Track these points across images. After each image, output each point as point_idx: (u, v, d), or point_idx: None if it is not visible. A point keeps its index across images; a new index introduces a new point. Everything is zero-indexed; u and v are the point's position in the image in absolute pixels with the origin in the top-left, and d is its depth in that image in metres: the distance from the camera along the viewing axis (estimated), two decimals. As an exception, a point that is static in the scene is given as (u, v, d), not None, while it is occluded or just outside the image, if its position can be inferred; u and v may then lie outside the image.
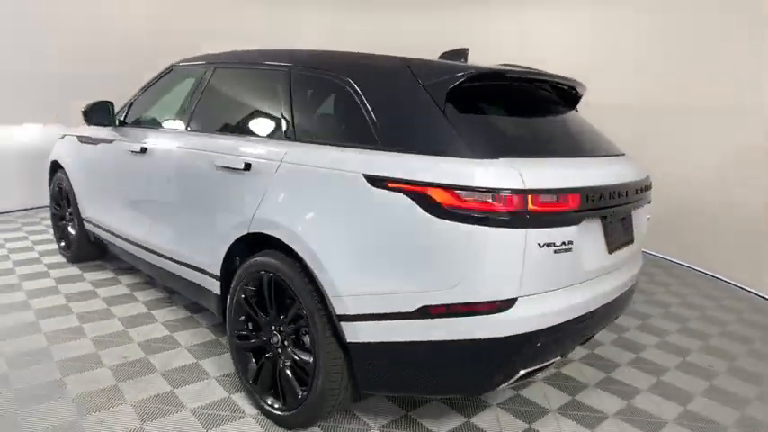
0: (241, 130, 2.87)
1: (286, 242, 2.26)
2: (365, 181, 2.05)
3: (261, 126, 2.77)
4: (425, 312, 1.95)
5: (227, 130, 2.97)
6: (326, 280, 2.12)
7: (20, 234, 5.49)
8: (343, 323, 2.12)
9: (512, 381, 2.11)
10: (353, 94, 2.29)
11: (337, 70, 2.43)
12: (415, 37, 7.39)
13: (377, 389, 2.25)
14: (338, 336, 2.16)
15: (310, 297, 2.19)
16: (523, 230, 1.86)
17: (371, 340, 2.08)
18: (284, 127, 2.57)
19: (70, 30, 6.40)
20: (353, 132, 2.28)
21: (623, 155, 2.64)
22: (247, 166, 2.55)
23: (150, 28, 6.96)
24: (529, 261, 1.88)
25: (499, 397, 2.76)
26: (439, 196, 1.89)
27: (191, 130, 3.15)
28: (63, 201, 4.59)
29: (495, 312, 1.90)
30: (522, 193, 1.86)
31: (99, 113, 3.71)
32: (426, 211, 1.90)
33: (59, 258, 4.71)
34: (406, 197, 1.94)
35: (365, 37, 7.73)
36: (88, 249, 4.47)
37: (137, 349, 3.10)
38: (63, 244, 4.69)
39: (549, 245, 1.92)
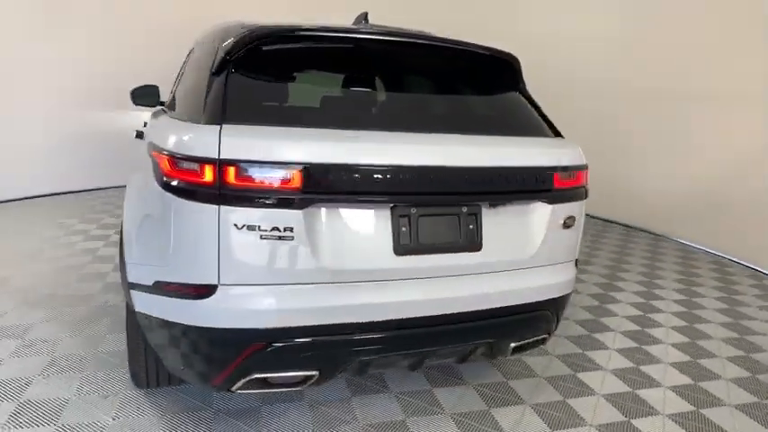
0: None
1: None
2: (149, 146, 2.00)
3: None
4: (159, 288, 1.83)
5: None
6: (126, 248, 2.17)
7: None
8: (130, 291, 2.06)
9: (244, 383, 1.83)
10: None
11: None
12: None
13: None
14: None
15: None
16: (215, 207, 1.62)
17: (138, 310, 2.01)
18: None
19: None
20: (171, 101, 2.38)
21: (544, 136, 2.21)
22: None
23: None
24: (225, 245, 1.66)
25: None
26: (163, 165, 1.75)
27: None
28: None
29: (198, 298, 1.72)
30: (216, 163, 1.61)
31: (145, 96, 3.64)
32: (156, 179, 1.78)
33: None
34: (155, 164, 1.83)
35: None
36: None
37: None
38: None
39: (251, 228, 1.64)
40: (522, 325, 2.17)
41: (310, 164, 1.65)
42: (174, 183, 1.69)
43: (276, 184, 1.63)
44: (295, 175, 1.64)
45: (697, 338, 3.51)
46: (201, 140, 1.66)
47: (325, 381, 1.93)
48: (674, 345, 3.39)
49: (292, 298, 1.73)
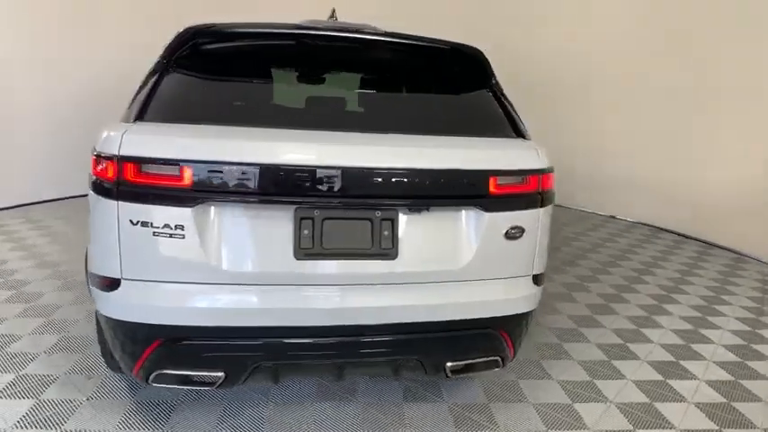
0: None
1: None
2: None
3: None
4: (92, 279, 1.89)
5: None
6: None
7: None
8: (88, 280, 2.08)
9: (155, 377, 1.83)
10: None
11: None
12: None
13: None
14: None
15: None
16: (115, 202, 1.66)
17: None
18: None
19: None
20: None
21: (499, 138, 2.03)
22: None
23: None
24: (124, 240, 1.68)
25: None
26: (91, 163, 1.81)
27: None
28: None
29: (110, 291, 1.76)
30: (116, 159, 1.65)
31: None
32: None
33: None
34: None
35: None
36: None
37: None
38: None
39: (144, 224, 1.65)
40: (456, 344, 1.97)
41: (200, 161, 1.64)
42: (93, 179, 1.77)
43: (166, 182, 1.64)
44: (184, 173, 1.63)
45: None
46: (110, 139, 1.72)
47: (235, 383, 1.88)
48: None
49: (188, 297, 1.72)
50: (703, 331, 3.58)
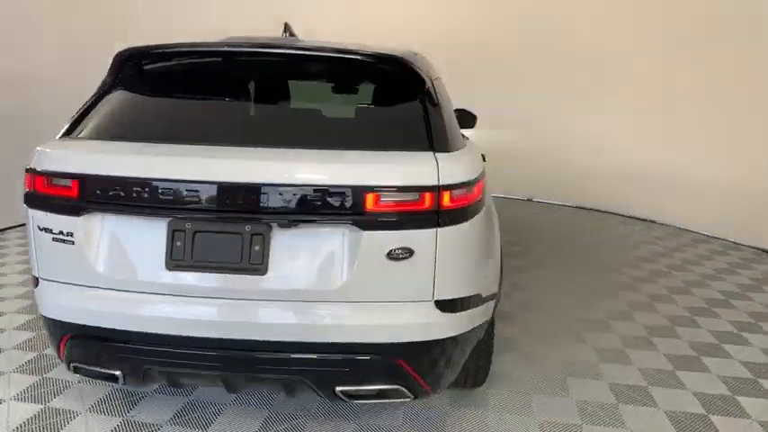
0: None
1: None
2: None
3: None
4: None
5: None
6: None
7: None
8: None
9: (74, 368, 2.06)
10: None
11: None
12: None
13: None
14: None
15: None
16: (30, 209, 1.93)
17: None
18: None
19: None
20: None
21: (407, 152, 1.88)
22: None
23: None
24: (36, 243, 1.94)
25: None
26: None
27: None
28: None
29: (35, 288, 2.04)
30: (32, 173, 1.92)
31: None
32: None
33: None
34: None
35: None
36: None
37: None
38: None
39: (46, 230, 1.90)
40: (341, 368, 1.90)
41: (86, 174, 1.84)
42: (24, 191, 1.99)
43: (60, 192, 1.87)
44: (73, 185, 1.84)
45: None
46: (35, 154, 1.97)
47: (137, 383, 2.07)
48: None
49: (80, 299, 1.91)
50: None
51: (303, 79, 2.34)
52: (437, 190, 1.81)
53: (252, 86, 2.26)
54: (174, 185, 1.77)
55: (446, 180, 1.82)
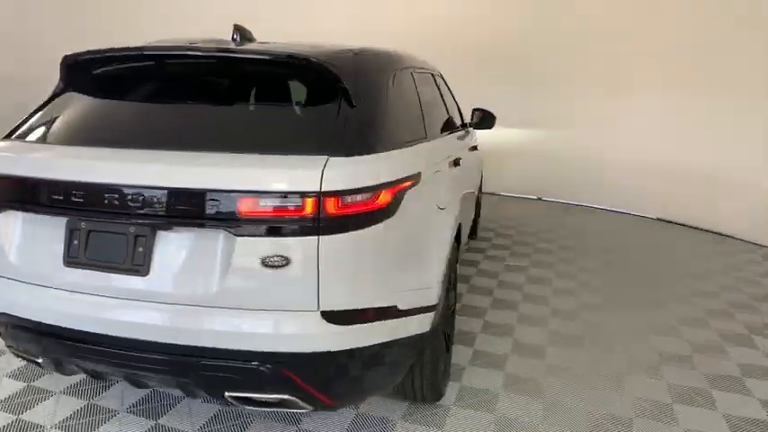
0: None
1: None
2: None
3: None
4: None
5: None
6: None
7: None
8: None
9: (12, 352, 2.23)
10: None
11: None
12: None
13: None
14: None
15: None
16: None
17: None
18: None
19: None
20: None
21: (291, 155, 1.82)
22: None
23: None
24: None
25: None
26: None
27: None
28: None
29: None
30: None
31: None
32: None
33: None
34: None
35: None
36: None
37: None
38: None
39: None
40: (224, 373, 1.88)
41: (1, 175, 2.00)
42: None
43: None
44: None
45: None
46: None
47: (58, 370, 2.14)
48: None
49: (4, 290, 2.03)
50: None
51: (216, 81, 2.34)
52: (318, 196, 1.74)
53: (165, 90, 2.26)
54: (70, 186, 1.88)
55: (331, 186, 1.74)
